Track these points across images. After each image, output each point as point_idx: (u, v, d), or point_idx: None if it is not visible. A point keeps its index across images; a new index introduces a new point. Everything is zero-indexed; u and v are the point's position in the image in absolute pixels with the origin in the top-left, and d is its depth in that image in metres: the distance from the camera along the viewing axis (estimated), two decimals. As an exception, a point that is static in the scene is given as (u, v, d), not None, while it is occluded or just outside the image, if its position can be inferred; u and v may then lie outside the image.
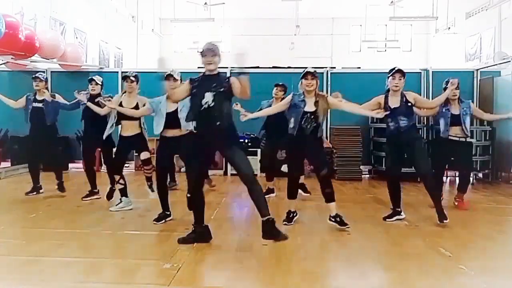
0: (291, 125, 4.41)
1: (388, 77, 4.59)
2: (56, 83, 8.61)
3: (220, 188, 6.75)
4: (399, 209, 4.72)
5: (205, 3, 14.80)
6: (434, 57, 18.54)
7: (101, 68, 10.40)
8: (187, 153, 3.83)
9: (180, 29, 19.50)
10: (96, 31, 14.65)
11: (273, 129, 5.72)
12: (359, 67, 10.25)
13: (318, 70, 9.42)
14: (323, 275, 3.13)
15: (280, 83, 5.88)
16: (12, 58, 7.72)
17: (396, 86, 4.52)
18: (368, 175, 8.33)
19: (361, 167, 8.01)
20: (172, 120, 4.46)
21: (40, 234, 4.11)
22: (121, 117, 5.01)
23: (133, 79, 4.94)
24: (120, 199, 5.14)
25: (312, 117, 4.30)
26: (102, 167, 8.46)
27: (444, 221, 4.46)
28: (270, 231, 3.55)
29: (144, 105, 4.93)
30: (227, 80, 3.69)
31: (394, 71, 4.56)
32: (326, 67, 9.10)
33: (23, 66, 8.65)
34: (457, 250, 3.72)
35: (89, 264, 3.34)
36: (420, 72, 8.76)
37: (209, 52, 3.63)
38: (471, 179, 7.77)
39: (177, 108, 4.45)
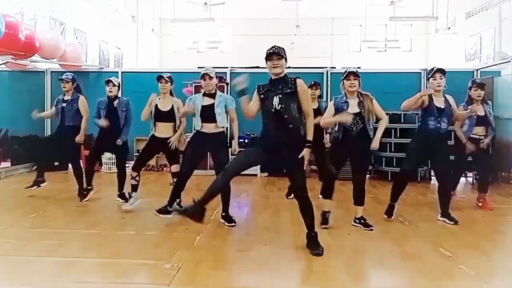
0: (336, 128, 4.36)
1: (429, 78, 4.57)
2: (56, 83, 8.57)
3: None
4: (395, 203, 4.78)
5: (205, 3, 14.81)
6: (434, 57, 18.53)
7: (101, 68, 10.40)
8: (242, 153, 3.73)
9: (180, 29, 19.52)
10: (96, 31, 14.67)
11: None
12: (359, 67, 10.22)
13: (318, 70, 9.45)
14: (324, 275, 3.13)
15: (313, 82, 5.69)
16: (12, 58, 7.72)
17: (439, 86, 4.49)
18: (368, 175, 8.31)
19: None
20: (207, 114, 4.38)
21: (40, 234, 4.11)
22: (157, 118, 4.97)
23: (167, 79, 4.93)
24: (130, 194, 5.14)
25: (358, 118, 4.21)
26: (102, 168, 8.49)
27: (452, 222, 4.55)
28: (315, 242, 3.63)
29: (178, 108, 4.92)
30: (293, 81, 3.56)
31: (434, 71, 4.54)
32: (326, 67, 9.11)
33: (23, 66, 8.66)
34: (457, 250, 3.72)
35: (89, 264, 3.34)
36: (420, 72, 8.78)
37: (275, 55, 3.50)
38: (471, 179, 7.83)
39: (213, 103, 4.37)
